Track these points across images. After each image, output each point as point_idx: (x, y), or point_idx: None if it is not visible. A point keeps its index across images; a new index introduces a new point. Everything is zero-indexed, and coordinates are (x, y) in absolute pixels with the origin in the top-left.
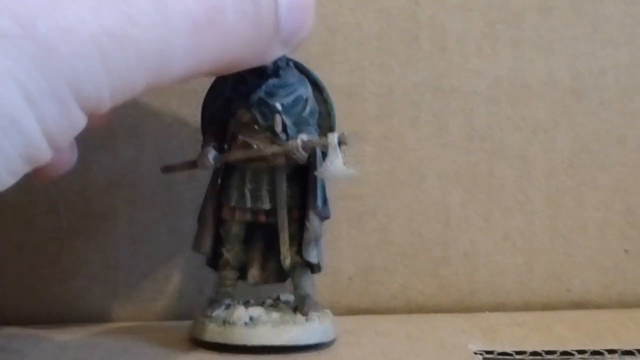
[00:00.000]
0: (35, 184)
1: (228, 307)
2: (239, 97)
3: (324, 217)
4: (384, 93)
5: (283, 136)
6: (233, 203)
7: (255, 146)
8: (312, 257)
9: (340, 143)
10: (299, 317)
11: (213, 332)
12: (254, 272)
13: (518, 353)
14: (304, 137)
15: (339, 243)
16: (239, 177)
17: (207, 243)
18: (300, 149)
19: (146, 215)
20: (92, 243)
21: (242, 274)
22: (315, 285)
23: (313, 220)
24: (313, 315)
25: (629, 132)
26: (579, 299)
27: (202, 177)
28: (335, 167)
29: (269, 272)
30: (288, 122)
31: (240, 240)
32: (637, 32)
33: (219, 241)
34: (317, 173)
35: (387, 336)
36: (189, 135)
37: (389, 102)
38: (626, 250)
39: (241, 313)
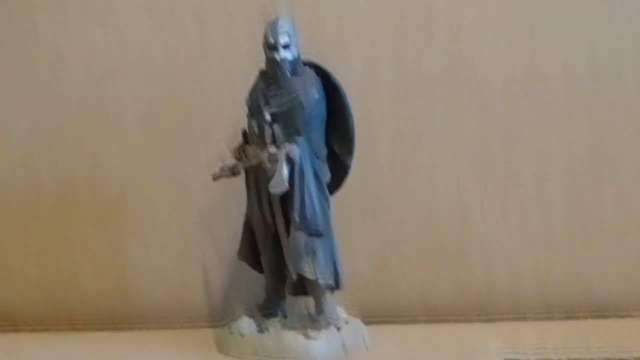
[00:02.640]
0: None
1: (268, 315)
2: (250, 106)
3: (310, 231)
4: (398, 86)
5: (272, 147)
6: (248, 211)
7: (250, 157)
8: (306, 272)
9: (287, 158)
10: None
11: (218, 339)
12: (287, 283)
13: None
14: (272, 150)
15: (353, 240)
16: (252, 187)
17: (244, 250)
18: (267, 162)
19: (156, 215)
20: (103, 242)
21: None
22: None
23: (293, 234)
24: (315, 333)
25: None
26: (599, 302)
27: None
28: (276, 180)
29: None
30: (278, 132)
31: (270, 249)
32: None
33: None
34: (268, 187)
35: (405, 344)
36: (201, 132)
37: (403, 96)
38: None
39: (244, 324)
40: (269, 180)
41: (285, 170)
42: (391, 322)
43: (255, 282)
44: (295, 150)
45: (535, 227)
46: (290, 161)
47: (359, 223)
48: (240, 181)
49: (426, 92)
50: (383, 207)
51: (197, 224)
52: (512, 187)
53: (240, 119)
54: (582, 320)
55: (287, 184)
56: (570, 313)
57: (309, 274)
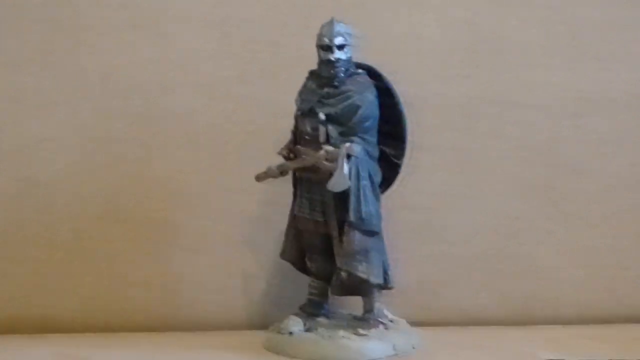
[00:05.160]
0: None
1: (311, 315)
2: (301, 106)
3: (365, 230)
4: (444, 104)
5: (328, 146)
6: (297, 212)
7: (304, 156)
8: (359, 271)
9: (348, 155)
10: (353, 332)
11: (267, 339)
12: (333, 283)
13: None
14: (329, 148)
15: (397, 254)
16: (300, 187)
17: (288, 250)
18: (323, 160)
19: (203, 224)
20: (150, 252)
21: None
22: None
23: (348, 233)
24: (366, 331)
25: None
26: (635, 313)
27: (257, 185)
28: (336, 178)
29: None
30: (333, 132)
31: (318, 251)
32: None
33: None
34: (327, 185)
35: (452, 347)
36: (247, 142)
37: (447, 113)
38: None
39: (292, 322)
40: (328, 178)
41: (346, 168)
42: (431, 325)
43: (296, 285)
44: (356, 147)
45: (577, 245)
46: (350, 159)
47: (403, 236)
48: (279, 190)
49: (470, 111)
50: (428, 222)
51: (240, 232)
52: (554, 205)
53: (285, 130)
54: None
55: (349, 182)
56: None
57: (361, 273)
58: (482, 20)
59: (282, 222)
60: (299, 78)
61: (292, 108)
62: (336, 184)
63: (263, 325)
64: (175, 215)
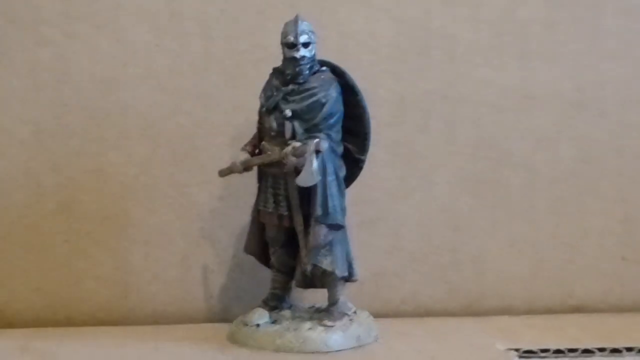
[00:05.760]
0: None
1: (274, 308)
2: (267, 102)
3: (330, 224)
4: (396, 100)
5: (295, 142)
6: (261, 206)
7: (269, 152)
8: (325, 264)
9: (316, 151)
10: (316, 323)
11: (232, 332)
12: (297, 277)
13: (542, 351)
14: (296, 144)
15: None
16: (265, 182)
17: (252, 244)
18: (290, 156)
19: (159, 219)
20: (105, 246)
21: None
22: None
23: (314, 228)
24: (332, 322)
25: (628, 143)
26: (580, 303)
27: (215, 180)
28: (306, 173)
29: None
30: (299, 128)
31: (281, 244)
32: (636, 46)
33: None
34: (296, 180)
35: (411, 337)
36: (203, 136)
37: (400, 109)
38: (623, 258)
39: (258, 315)
40: (292, 174)
41: (315, 164)
42: (386, 316)
43: (255, 279)
44: (324, 143)
45: (522, 237)
46: (318, 155)
47: (356, 230)
48: (237, 184)
49: (422, 107)
50: (379, 216)
51: (197, 226)
52: (501, 199)
53: (241, 125)
54: (564, 314)
55: (319, 177)
56: (552, 311)
57: (327, 266)
58: (433, 19)
59: (239, 216)
60: (255, 74)
61: (246, 103)
62: (305, 179)
63: (221, 319)
64: (133, 210)
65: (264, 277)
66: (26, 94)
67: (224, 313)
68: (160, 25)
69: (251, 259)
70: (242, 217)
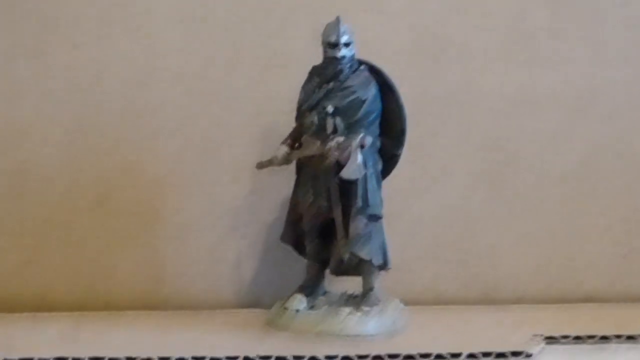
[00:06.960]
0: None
1: (310, 294)
2: (307, 99)
3: (369, 215)
4: (410, 103)
5: (338, 137)
6: (300, 198)
7: (313, 146)
8: (362, 253)
9: (361, 146)
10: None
11: (272, 317)
12: (331, 264)
13: (563, 337)
14: (339, 139)
15: None
16: (304, 175)
17: (289, 234)
18: (333, 151)
19: (190, 215)
20: (137, 239)
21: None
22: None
23: (354, 219)
24: (368, 308)
25: (630, 145)
26: (589, 294)
27: (242, 177)
28: (351, 167)
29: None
30: (340, 124)
31: (317, 235)
32: (637, 53)
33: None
34: (341, 173)
35: (438, 324)
36: (229, 136)
37: (414, 112)
38: (625, 255)
39: (297, 300)
40: (333, 167)
41: (360, 158)
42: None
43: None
44: (368, 138)
45: (532, 232)
46: (362, 149)
47: None
48: (263, 181)
49: (435, 110)
50: (397, 213)
51: (228, 221)
52: (510, 197)
53: (265, 125)
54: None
55: (363, 170)
56: (563, 301)
57: (364, 254)
58: (446, 27)
59: (268, 210)
60: (278, 78)
61: (271, 105)
62: (351, 173)
63: (250, 306)
64: (164, 205)
65: (290, 267)
66: (62, 94)
67: (253, 301)
68: (189, 30)
69: (277, 251)
70: (270, 210)
